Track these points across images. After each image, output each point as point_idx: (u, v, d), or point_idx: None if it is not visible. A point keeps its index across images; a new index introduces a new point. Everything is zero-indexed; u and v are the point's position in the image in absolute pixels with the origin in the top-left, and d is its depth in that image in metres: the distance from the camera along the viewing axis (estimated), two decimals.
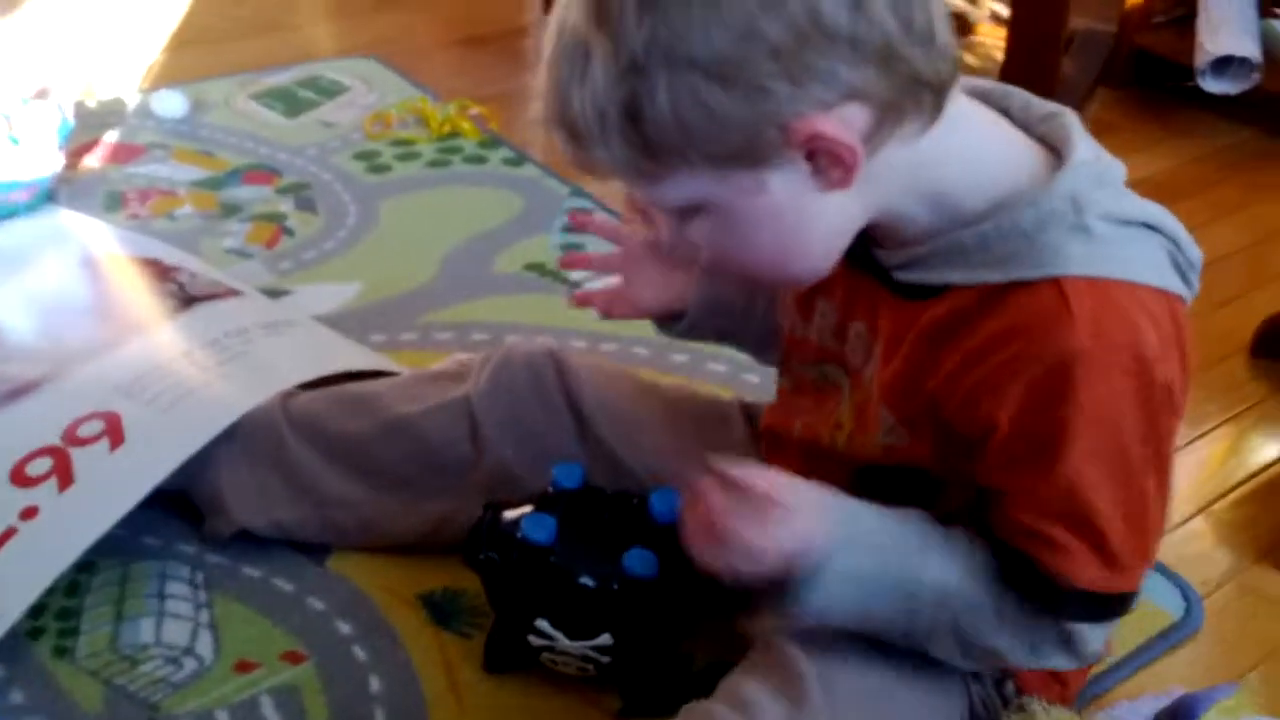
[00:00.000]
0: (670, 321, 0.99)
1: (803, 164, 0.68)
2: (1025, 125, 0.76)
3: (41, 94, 1.54)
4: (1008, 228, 0.71)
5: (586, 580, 0.88)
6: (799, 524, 0.75)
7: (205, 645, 0.96)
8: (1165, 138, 1.99)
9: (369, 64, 1.99)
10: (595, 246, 1.50)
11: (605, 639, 0.89)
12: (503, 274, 1.49)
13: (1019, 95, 0.78)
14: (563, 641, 0.90)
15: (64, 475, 1.03)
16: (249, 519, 1.03)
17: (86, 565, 1.01)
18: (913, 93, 0.68)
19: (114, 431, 1.06)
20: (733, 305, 0.97)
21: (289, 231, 1.54)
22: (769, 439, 0.94)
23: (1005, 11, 2.09)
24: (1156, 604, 1.06)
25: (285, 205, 1.60)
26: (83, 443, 1.05)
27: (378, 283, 1.44)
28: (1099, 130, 0.77)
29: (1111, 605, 0.77)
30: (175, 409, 1.07)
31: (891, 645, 0.79)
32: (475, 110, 1.83)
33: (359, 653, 0.97)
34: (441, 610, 1.01)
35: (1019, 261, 0.71)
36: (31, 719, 0.91)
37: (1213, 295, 0.97)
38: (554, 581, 0.89)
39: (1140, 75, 2.12)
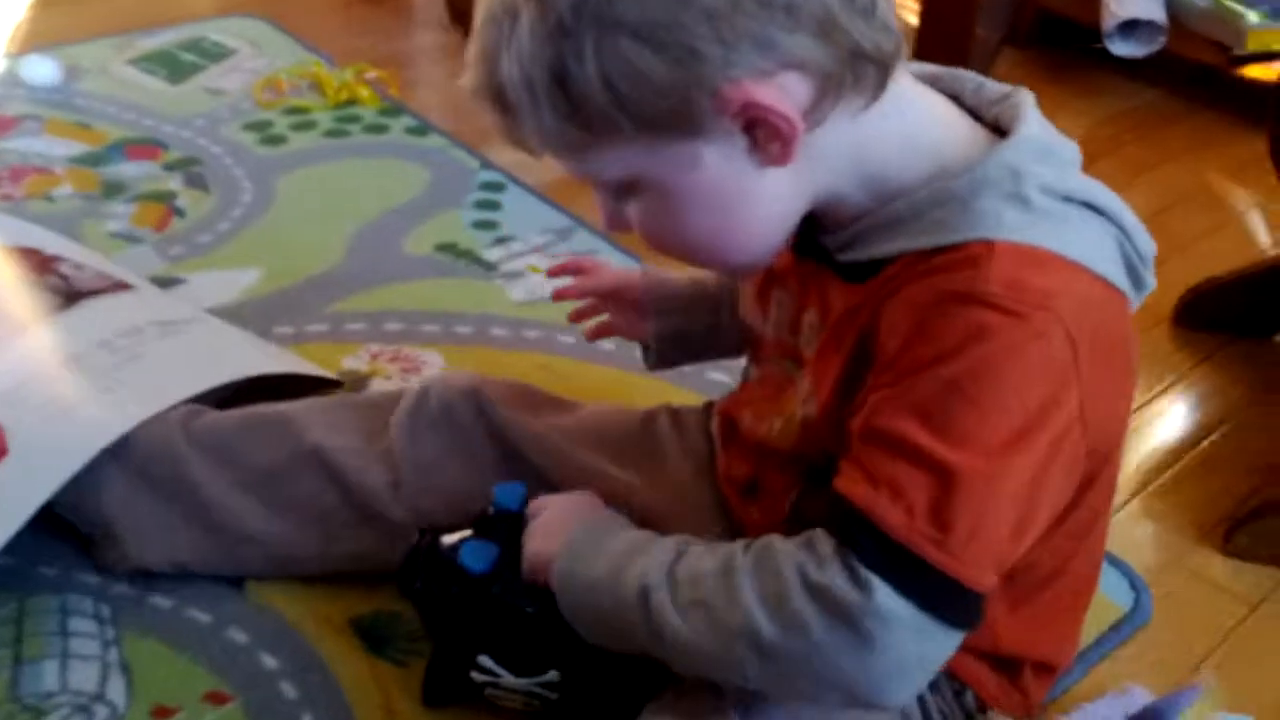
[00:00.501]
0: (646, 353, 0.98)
1: (739, 137, 0.65)
2: (977, 109, 0.73)
3: None
4: (941, 193, 0.68)
5: (530, 613, 0.82)
6: (540, 538, 0.79)
7: (117, 689, 0.88)
8: (1072, 99, 1.98)
9: (256, 24, 1.87)
10: (515, 225, 1.45)
11: (552, 675, 0.83)
12: (414, 255, 1.41)
13: (971, 79, 0.75)
14: (507, 678, 0.84)
15: None
16: (148, 558, 0.95)
17: None
18: (853, 66, 0.65)
19: None
20: (692, 335, 0.96)
21: (179, 212, 1.44)
22: (724, 428, 0.90)
23: None
24: (1105, 595, 1.04)
25: (174, 182, 1.49)
26: None
27: (279, 268, 1.35)
28: None
29: (921, 577, 0.63)
30: (64, 419, 0.98)
31: None
32: (372, 74, 1.74)
33: (288, 689, 0.90)
34: (374, 636, 0.94)
35: (951, 226, 0.67)
36: None
37: None
38: (496, 615, 0.83)
39: (1046, 36, 2.10)
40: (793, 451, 0.78)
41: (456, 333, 1.28)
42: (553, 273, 1.04)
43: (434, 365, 1.22)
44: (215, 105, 1.66)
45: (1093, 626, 1.01)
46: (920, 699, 0.80)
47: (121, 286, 1.21)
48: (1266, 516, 1.11)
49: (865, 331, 0.69)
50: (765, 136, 0.65)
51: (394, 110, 1.69)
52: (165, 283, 1.30)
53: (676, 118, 0.63)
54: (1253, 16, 1.75)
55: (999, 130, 0.71)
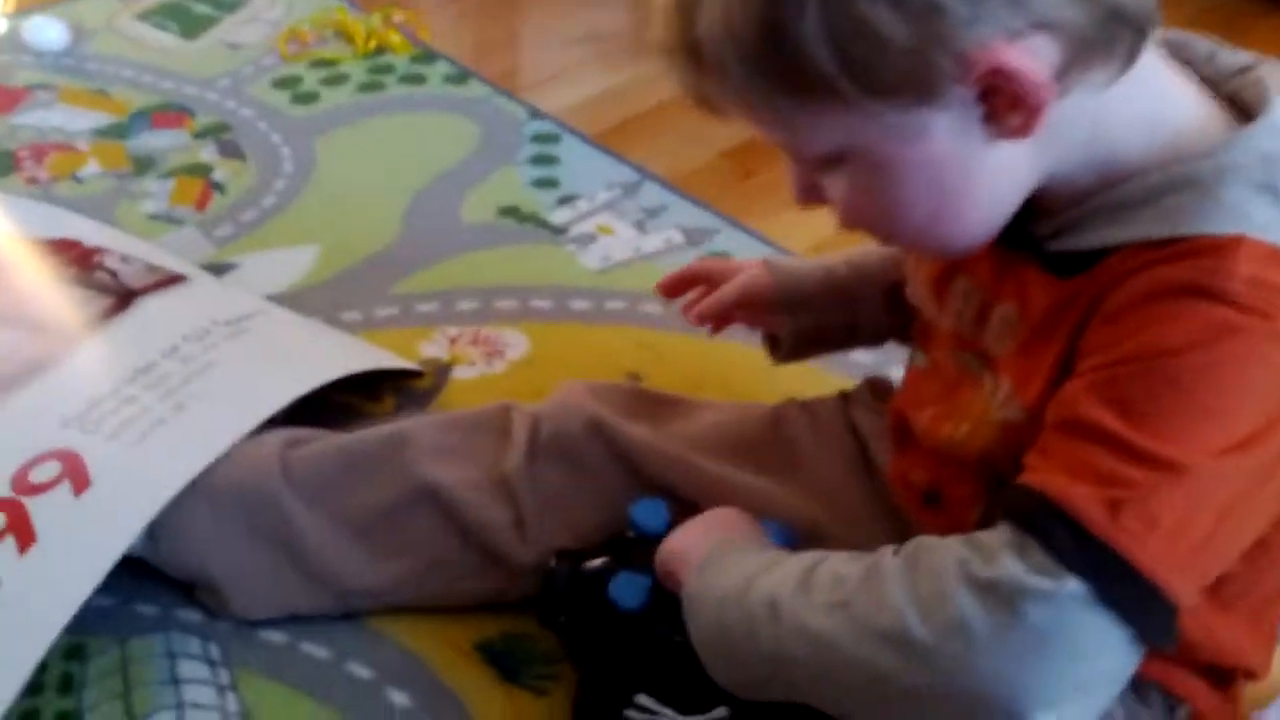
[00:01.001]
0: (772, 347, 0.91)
1: (975, 106, 0.57)
2: (1211, 80, 0.65)
3: None
4: (1179, 179, 0.60)
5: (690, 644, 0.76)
6: (672, 556, 0.74)
7: None
8: None
9: None
10: (576, 180, 1.36)
11: (721, 713, 0.77)
12: (475, 223, 1.31)
13: (1203, 46, 0.67)
14: (669, 716, 0.78)
15: (22, 533, 0.86)
16: (253, 610, 0.88)
17: (74, 650, 0.86)
18: (1110, 30, 0.57)
19: (76, 474, 0.89)
20: (827, 331, 0.90)
21: (218, 187, 1.34)
22: (897, 427, 0.82)
23: None
24: None
25: (207, 153, 1.38)
26: (38, 489, 0.88)
27: (335, 245, 1.26)
28: None
29: (1118, 578, 0.56)
30: (147, 442, 0.90)
31: None
32: (399, 17, 1.62)
33: None
34: (506, 663, 0.88)
35: (1190, 215, 0.59)
36: None
37: None
38: (657, 653, 0.76)
39: None
40: (982, 457, 0.71)
41: (535, 308, 1.19)
42: (669, 292, 0.95)
43: (518, 346, 1.15)
44: (237, 62, 1.54)
45: None
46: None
47: (175, 279, 1.12)
48: None
49: (1079, 328, 0.62)
50: (1005, 106, 0.57)
51: (427, 56, 1.58)
52: (217, 269, 1.21)
53: (908, 83, 0.55)
54: None
55: (1237, 107, 0.63)
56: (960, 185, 0.60)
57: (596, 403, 0.89)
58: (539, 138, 1.44)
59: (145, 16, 1.62)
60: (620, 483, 0.87)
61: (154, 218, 1.28)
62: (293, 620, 0.89)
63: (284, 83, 1.51)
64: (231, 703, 0.84)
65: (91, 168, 1.35)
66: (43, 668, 0.81)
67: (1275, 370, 0.58)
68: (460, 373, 1.12)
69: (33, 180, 1.32)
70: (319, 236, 1.27)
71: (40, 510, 0.86)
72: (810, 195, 0.65)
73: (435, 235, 1.29)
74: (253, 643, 0.88)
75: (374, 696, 0.85)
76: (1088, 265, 0.62)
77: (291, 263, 1.24)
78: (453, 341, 1.15)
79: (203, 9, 1.64)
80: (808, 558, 0.66)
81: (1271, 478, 0.60)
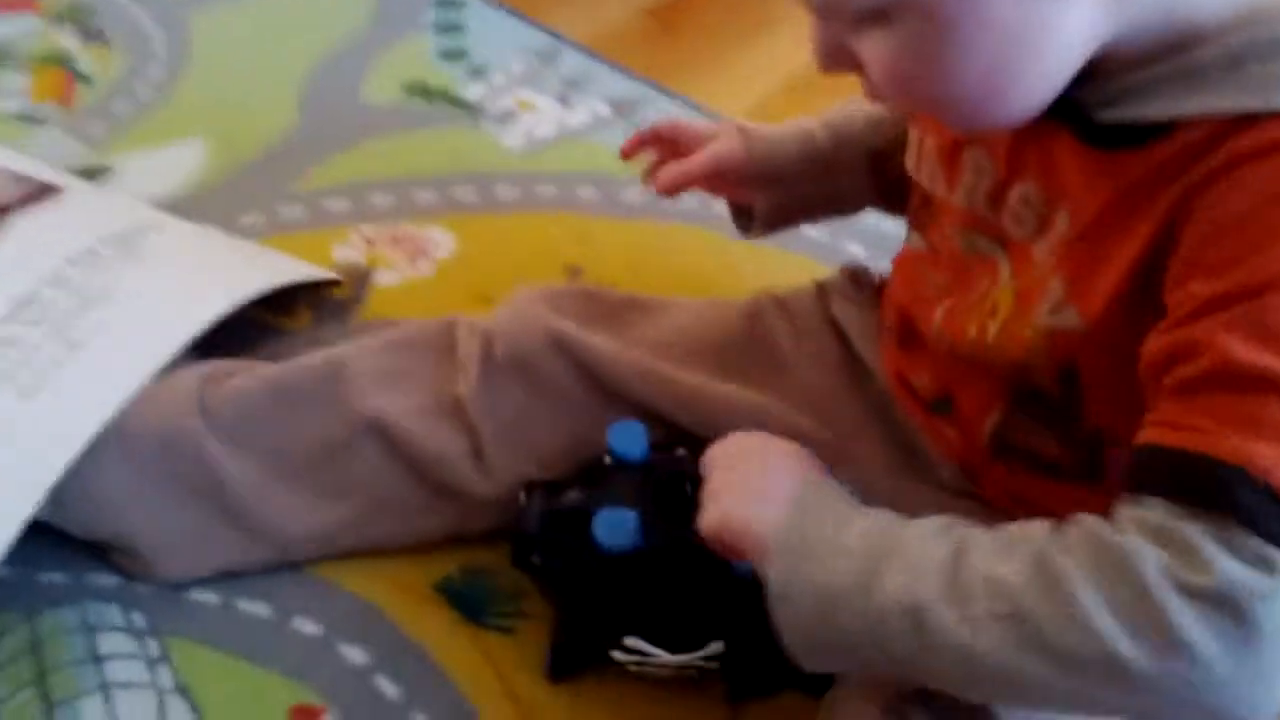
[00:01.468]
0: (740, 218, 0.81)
1: None
2: None
3: None
4: (1266, 42, 0.51)
5: (691, 587, 0.69)
6: (728, 504, 0.61)
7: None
8: None
9: None
10: (487, 50, 1.24)
11: (716, 648, 0.70)
12: (379, 104, 1.18)
13: None
14: (660, 656, 0.71)
15: None
16: (178, 570, 0.78)
17: None
18: None
19: None
20: (806, 203, 0.82)
21: (83, 78, 1.18)
22: (900, 328, 0.73)
23: None
24: None
25: (67, 39, 1.22)
26: None
27: (225, 138, 1.12)
28: None
29: None
30: (42, 390, 0.78)
31: None
32: None
33: (386, 686, 0.75)
34: (469, 601, 0.80)
35: None
36: None
37: None
38: (648, 594, 0.69)
39: None
40: (1017, 367, 0.63)
41: (458, 200, 1.08)
42: (628, 152, 0.85)
43: (444, 244, 1.04)
44: None
45: None
46: None
47: (46, 190, 0.98)
48: None
49: (1169, 223, 0.53)
50: None
51: None
52: (92, 174, 1.07)
53: None
54: None
55: None
56: (1027, 43, 0.51)
57: (554, 313, 0.80)
58: (442, 3, 1.30)
59: None
60: (586, 401, 0.78)
61: (15, 118, 1.13)
62: (225, 577, 0.79)
63: None
64: (165, 677, 0.75)
65: None
66: None
67: None
68: (382, 277, 1.00)
69: None
70: (204, 129, 1.13)
71: None
72: (837, 59, 0.55)
73: (336, 121, 1.16)
74: (182, 606, 0.78)
75: (327, 654, 0.76)
76: (1142, 139, 0.54)
77: (176, 162, 1.10)
78: (370, 243, 1.03)
79: None
80: (936, 540, 0.54)
81: None
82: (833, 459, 0.72)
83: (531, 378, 0.78)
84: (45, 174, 1.00)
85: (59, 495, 0.73)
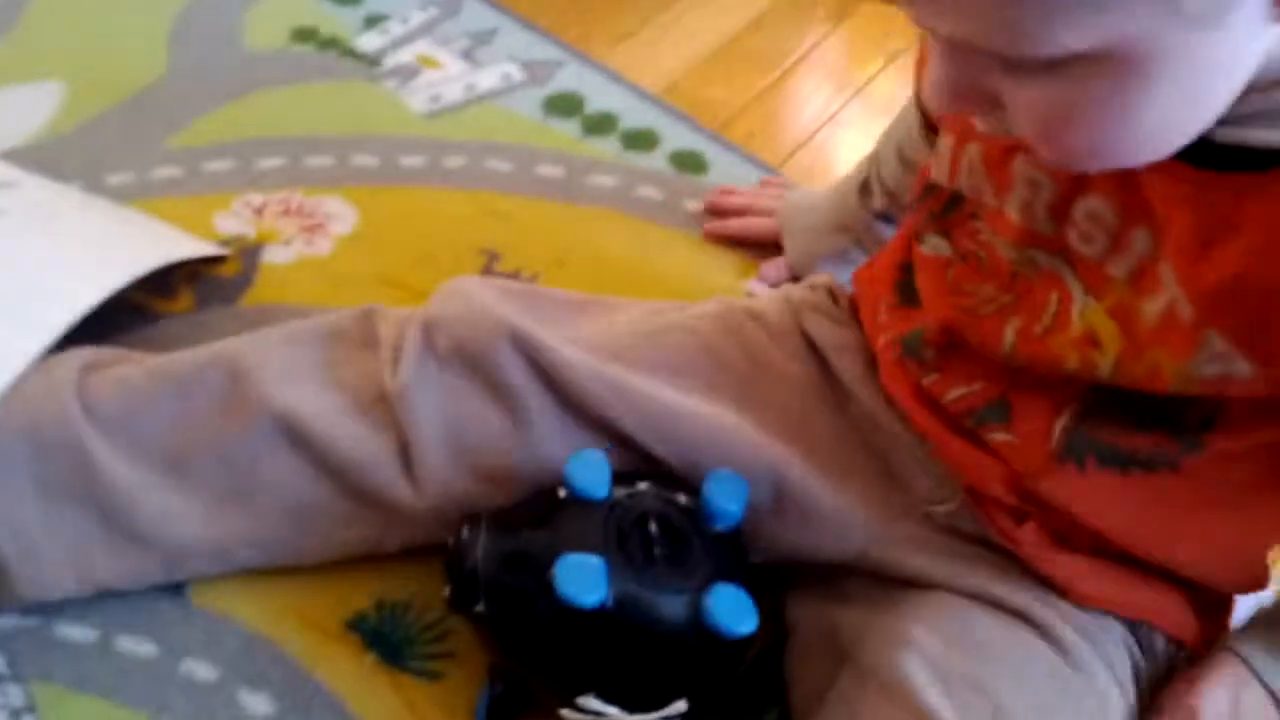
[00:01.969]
0: None
1: None
2: None
3: None
4: None
5: (655, 642, 0.62)
6: None
7: None
8: None
9: None
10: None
11: (679, 706, 0.64)
12: (262, 51, 1.06)
13: None
14: (618, 716, 0.64)
15: None
16: (51, 586, 0.67)
17: None
18: None
19: None
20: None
21: None
22: (940, 341, 0.65)
23: None
24: None
25: None
26: None
27: (84, 80, 0.99)
28: None
29: None
30: None
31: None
32: None
33: None
34: (387, 642, 0.71)
35: None
36: None
37: None
38: (610, 649, 0.62)
39: None
40: (1106, 382, 0.57)
41: (357, 166, 0.97)
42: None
43: (344, 218, 0.93)
44: None
45: None
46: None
47: None
48: None
49: None
50: None
51: None
52: None
53: None
54: None
55: None
56: (1220, 79, 0.45)
57: (509, 306, 0.71)
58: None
59: None
60: (541, 408, 0.68)
61: None
62: (101, 608, 0.69)
63: None
64: None
65: None
66: None
67: None
68: (273, 254, 0.89)
69: None
70: (61, 69, 0.99)
71: None
72: (966, 99, 0.48)
73: (213, 66, 1.03)
74: (50, 644, 0.67)
75: (223, 703, 0.67)
76: (1264, 164, 0.48)
77: (28, 105, 0.96)
78: (258, 212, 0.92)
79: None
80: None
81: None
82: (809, 489, 0.67)
83: (481, 375, 0.68)
84: None
85: None
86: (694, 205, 0.98)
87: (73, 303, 0.72)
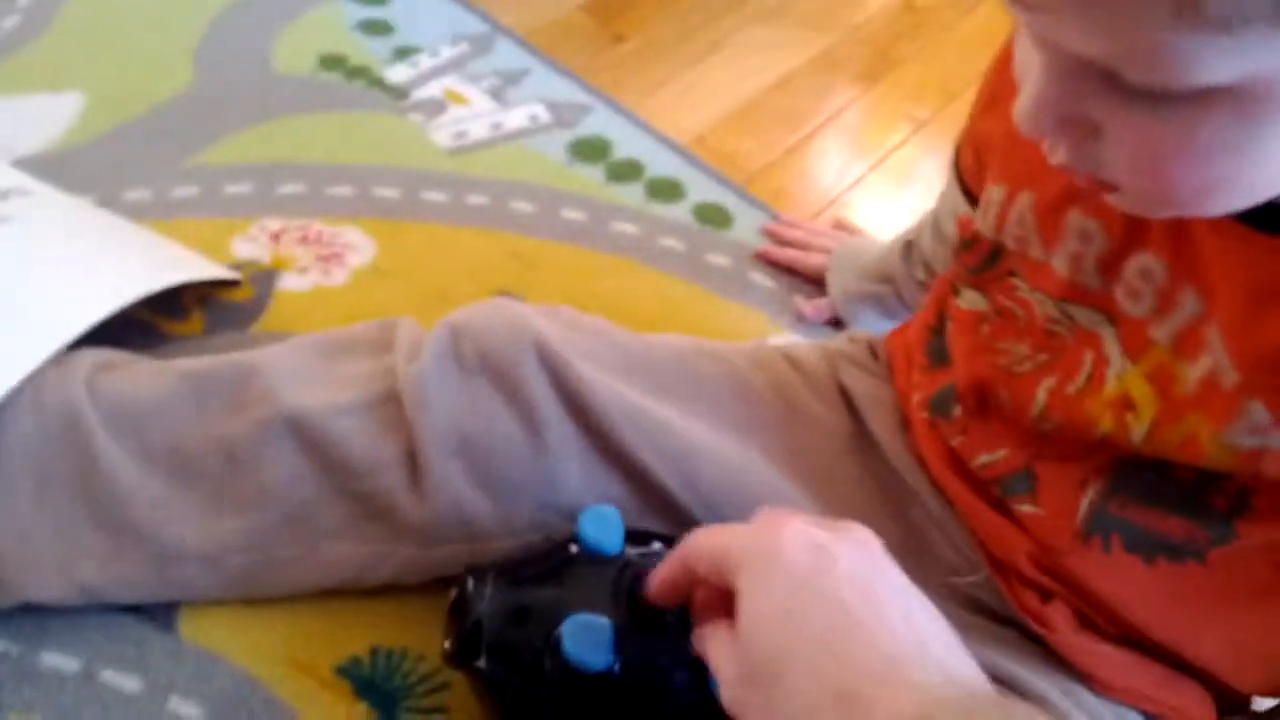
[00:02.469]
0: None
1: None
2: None
3: None
4: None
5: (663, 710, 0.59)
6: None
7: None
8: None
9: None
10: (414, 28, 1.11)
11: None
12: (291, 76, 1.05)
13: None
14: None
15: None
16: (35, 585, 0.64)
17: None
18: None
19: None
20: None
21: None
22: (973, 399, 0.63)
23: None
24: None
25: None
26: None
27: (105, 92, 0.97)
28: None
29: None
30: None
31: None
32: None
33: None
34: (379, 690, 0.68)
35: None
36: None
37: None
38: (615, 713, 0.59)
39: None
40: (1185, 461, 0.55)
41: (378, 198, 0.96)
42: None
43: (362, 250, 0.91)
44: None
45: None
46: None
47: None
48: None
49: None
50: None
51: None
52: None
53: None
54: None
55: None
56: None
57: (543, 323, 0.68)
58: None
59: None
60: (562, 433, 0.66)
61: None
62: (83, 630, 0.66)
63: None
64: None
65: None
66: None
67: None
68: (288, 281, 0.88)
69: None
70: (82, 79, 0.98)
71: None
72: (1063, 125, 0.45)
73: (238, 87, 1.02)
74: (33, 674, 0.65)
75: None
76: None
77: (47, 114, 0.94)
78: (275, 238, 0.90)
79: None
80: None
81: None
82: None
83: (505, 387, 0.66)
84: None
85: None
86: (716, 259, 0.96)
87: (80, 315, 0.70)
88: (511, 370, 0.66)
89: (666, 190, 1.01)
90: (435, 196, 0.97)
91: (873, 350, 0.74)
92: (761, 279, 0.97)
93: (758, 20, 1.25)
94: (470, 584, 0.62)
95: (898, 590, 0.45)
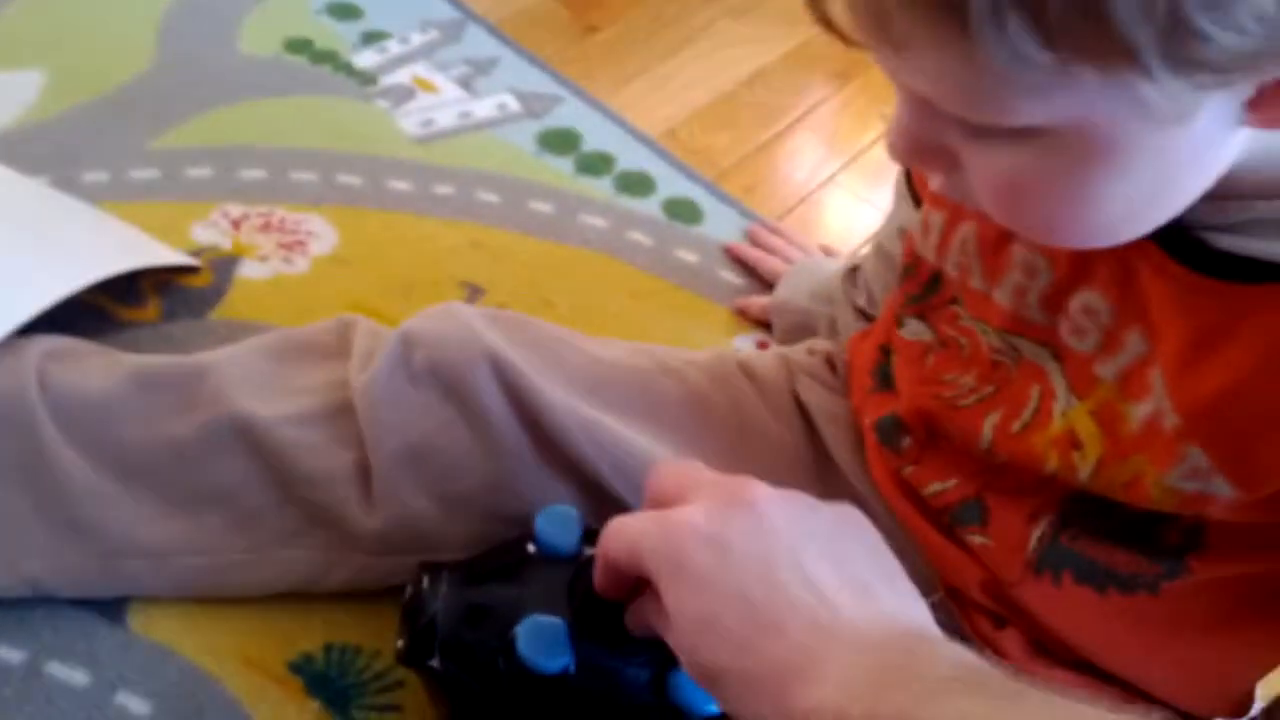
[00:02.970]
0: None
1: (1250, 88, 0.40)
2: None
3: None
4: None
5: (620, 712, 0.59)
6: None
7: None
8: None
9: None
10: (383, 13, 1.10)
11: None
12: (255, 58, 1.03)
13: None
14: None
15: None
16: None
17: None
18: None
19: None
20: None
21: None
22: (920, 430, 0.63)
23: None
24: None
25: None
26: None
27: (65, 71, 0.95)
28: None
29: None
30: None
31: None
32: None
33: None
34: (332, 686, 0.67)
35: None
36: None
37: None
38: (569, 715, 0.59)
39: None
40: (1085, 487, 0.55)
41: (342, 185, 0.94)
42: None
43: (324, 238, 0.90)
44: None
45: None
46: None
47: None
48: None
49: None
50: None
51: None
52: None
53: (1239, 61, 0.36)
54: None
55: None
56: (1184, 173, 0.43)
57: (495, 333, 0.67)
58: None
59: None
60: (513, 443, 0.65)
61: None
62: (30, 622, 0.65)
63: None
64: None
65: None
66: None
67: None
68: (248, 269, 0.86)
69: None
70: (42, 57, 0.96)
71: None
72: (925, 157, 0.46)
73: (203, 67, 1.00)
74: None
75: None
76: (1265, 276, 0.46)
77: (6, 93, 0.93)
78: (236, 225, 0.89)
79: None
80: None
81: None
82: None
83: (455, 397, 0.65)
84: None
85: None
86: (685, 255, 0.96)
87: (32, 299, 0.68)
88: (462, 381, 0.65)
89: (636, 184, 1.01)
90: (400, 185, 0.95)
91: (831, 364, 0.74)
92: (730, 276, 0.96)
93: (733, 14, 1.24)
94: (425, 582, 0.61)
95: (791, 551, 0.43)
